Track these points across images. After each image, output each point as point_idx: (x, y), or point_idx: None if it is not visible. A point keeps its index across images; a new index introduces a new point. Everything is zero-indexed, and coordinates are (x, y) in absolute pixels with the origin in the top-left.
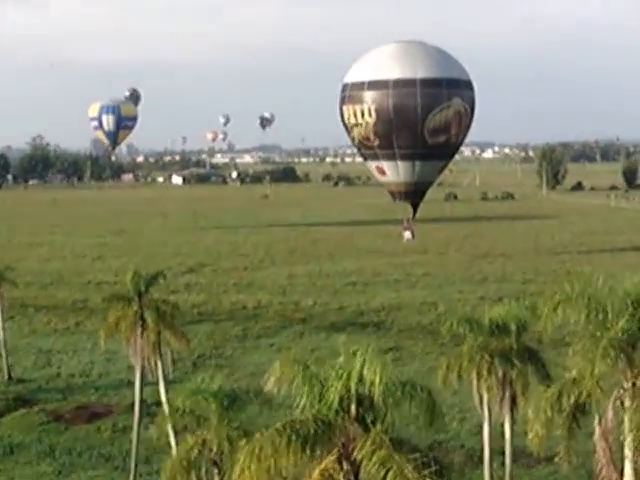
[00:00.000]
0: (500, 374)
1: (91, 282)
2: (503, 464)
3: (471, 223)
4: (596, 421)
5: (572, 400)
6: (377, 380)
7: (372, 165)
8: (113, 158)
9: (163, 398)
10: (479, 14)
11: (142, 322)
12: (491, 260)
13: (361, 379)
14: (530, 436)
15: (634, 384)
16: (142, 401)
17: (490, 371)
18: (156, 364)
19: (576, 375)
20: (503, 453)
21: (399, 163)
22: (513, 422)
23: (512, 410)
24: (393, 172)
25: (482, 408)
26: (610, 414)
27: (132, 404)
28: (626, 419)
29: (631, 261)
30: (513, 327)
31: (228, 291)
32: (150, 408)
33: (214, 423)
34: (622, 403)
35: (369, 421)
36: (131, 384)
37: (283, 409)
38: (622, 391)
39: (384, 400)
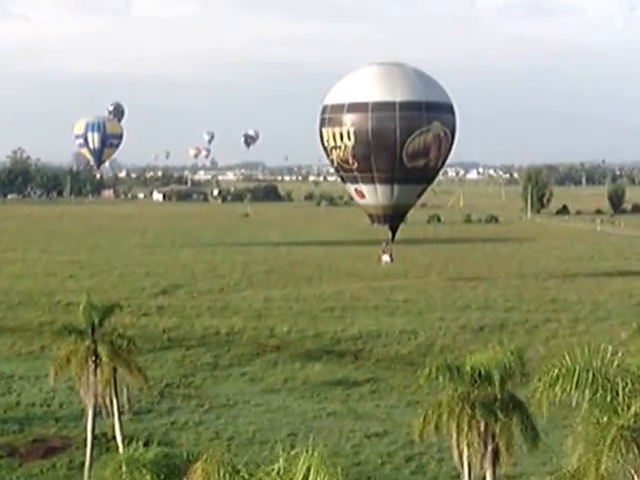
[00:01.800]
0: (482, 427)
1: (60, 303)
2: None
3: (454, 246)
4: None
5: None
6: None
7: (351, 188)
8: (98, 175)
9: (119, 438)
10: (465, 34)
11: (95, 357)
12: (474, 286)
13: None
14: None
15: None
16: (94, 440)
17: (471, 425)
18: (111, 401)
19: (577, 465)
20: None
21: (378, 186)
22: (495, 478)
23: (494, 465)
24: (372, 195)
25: (462, 463)
26: None
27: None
28: None
29: (617, 289)
30: (496, 375)
31: (201, 315)
32: (110, 442)
33: None
34: None
35: None
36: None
37: None
38: None
39: None
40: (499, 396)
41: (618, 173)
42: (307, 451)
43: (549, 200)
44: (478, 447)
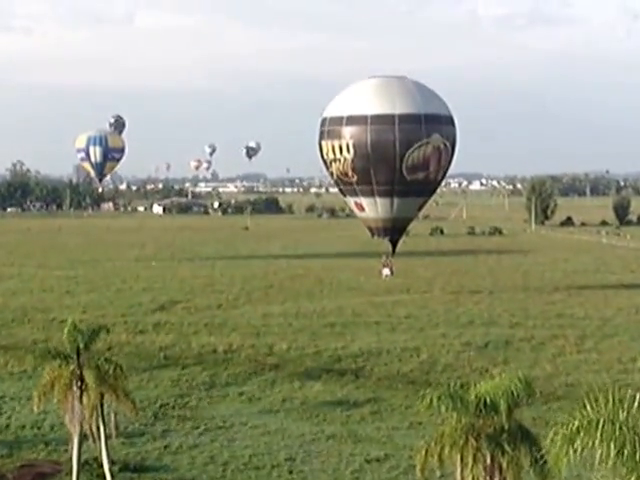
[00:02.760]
0: (488, 460)
1: (55, 319)
2: None
3: (457, 259)
4: None
5: None
6: None
7: (351, 201)
8: (100, 189)
9: (106, 467)
10: (467, 44)
11: (81, 383)
12: (477, 300)
13: None
14: None
15: None
16: (85, 466)
17: (476, 458)
18: (98, 428)
19: None
20: None
21: (377, 199)
22: None
23: None
24: (371, 208)
25: None
26: None
27: (82, 463)
28: None
29: (625, 303)
30: (503, 405)
31: (199, 332)
32: (101, 468)
33: None
34: None
35: None
36: (86, 437)
37: None
38: None
39: None
40: (506, 426)
41: (622, 184)
42: None
43: (553, 211)
44: None
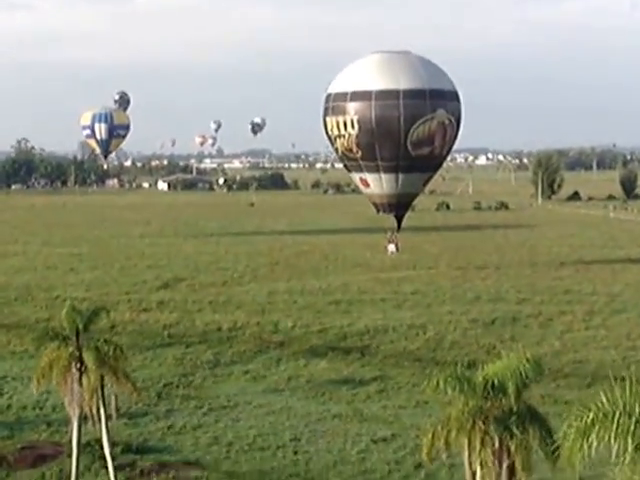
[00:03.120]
0: (496, 443)
1: (59, 297)
2: None
3: (463, 234)
4: None
5: None
6: None
7: (356, 177)
8: (105, 166)
9: (106, 451)
10: (473, 19)
11: (80, 365)
12: (484, 276)
13: None
14: None
15: None
16: (86, 447)
17: (484, 442)
18: (98, 410)
19: None
20: None
21: (382, 175)
22: None
23: None
24: (376, 184)
25: None
26: None
27: (84, 444)
28: None
29: (633, 279)
30: (511, 387)
31: (203, 310)
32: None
33: None
34: None
35: None
36: (86, 419)
37: None
38: None
39: None
40: (514, 409)
41: (629, 157)
42: None
43: (560, 186)
44: (492, 466)
